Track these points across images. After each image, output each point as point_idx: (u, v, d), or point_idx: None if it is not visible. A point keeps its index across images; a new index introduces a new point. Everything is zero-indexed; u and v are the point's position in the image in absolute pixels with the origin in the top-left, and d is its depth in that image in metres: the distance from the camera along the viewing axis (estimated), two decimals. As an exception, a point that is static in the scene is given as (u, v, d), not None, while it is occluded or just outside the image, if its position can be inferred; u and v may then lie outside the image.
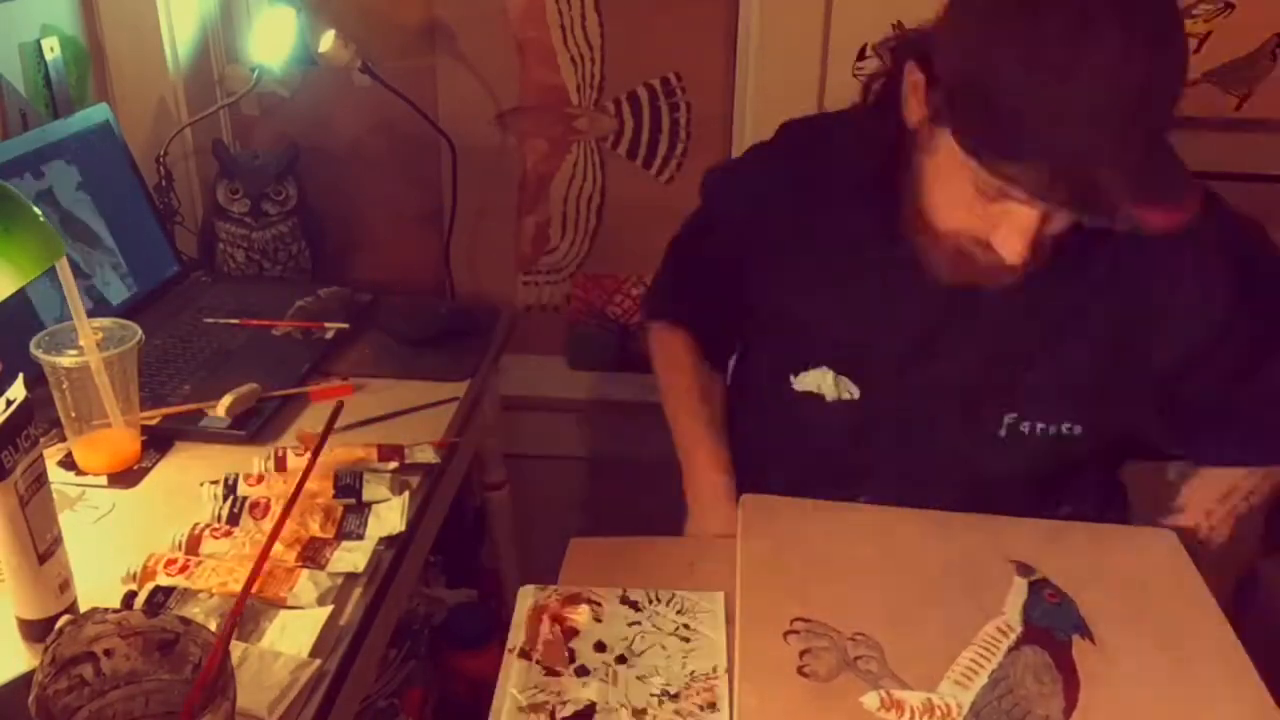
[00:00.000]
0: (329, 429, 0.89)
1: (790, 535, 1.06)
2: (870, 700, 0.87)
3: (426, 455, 1.18)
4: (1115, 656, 0.93)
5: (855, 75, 1.68)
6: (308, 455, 1.00)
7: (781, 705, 0.86)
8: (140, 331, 1.10)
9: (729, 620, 0.97)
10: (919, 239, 1.02)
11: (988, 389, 1.07)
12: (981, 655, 0.92)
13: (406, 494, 1.10)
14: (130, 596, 0.92)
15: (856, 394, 1.12)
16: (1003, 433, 1.09)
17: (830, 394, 1.14)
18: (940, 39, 0.93)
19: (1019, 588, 0.99)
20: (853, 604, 0.97)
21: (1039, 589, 0.99)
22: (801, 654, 0.91)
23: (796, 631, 0.94)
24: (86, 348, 1.05)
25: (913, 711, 0.86)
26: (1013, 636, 0.94)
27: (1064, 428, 1.08)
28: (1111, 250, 1.02)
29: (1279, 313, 1.05)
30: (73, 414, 1.09)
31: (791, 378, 1.15)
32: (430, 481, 1.16)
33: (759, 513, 1.09)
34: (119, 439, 1.12)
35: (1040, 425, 1.08)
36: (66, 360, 1.05)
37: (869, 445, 1.13)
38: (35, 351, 1.06)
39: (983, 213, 0.94)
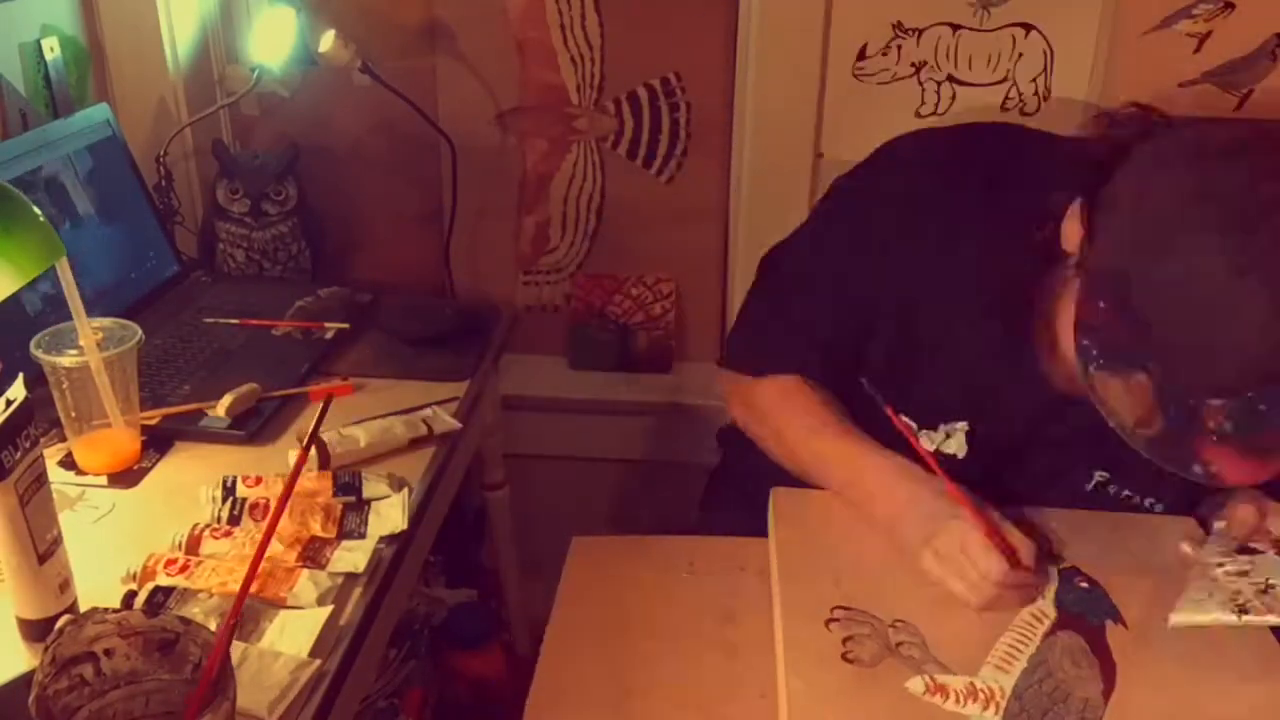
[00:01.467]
0: (319, 422, 0.89)
1: (823, 525, 1.07)
2: (915, 685, 0.89)
3: (448, 424, 1.21)
4: (1148, 639, 0.95)
5: (855, 75, 1.68)
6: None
7: (828, 691, 0.88)
8: (140, 331, 1.10)
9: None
10: (1040, 338, 1.02)
11: (1082, 445, 1.06)
12: (1019, 640, 0.94)
13: (407, 491, 1.10)
14: (130, 596, 0.92)
15: (963, 454, 1.10)
16: (1090, 487, 1.10)
17: (948, 447, 1.11)
18: (1115, 199, 0.91)
19: (1050, 574, 1.01)
20: (890, 591, 0.98)
21: (1070, 576, 1.02)
22: (844, 641, 0.93)
23: (837, 619, 0.95)
24: (86, 348, 1.05)
25: (957, 695, 0.88)
26: (1048, 622, 0.96)
27: (1148, 501, 1.10)
28: None
29: None
30: (73, 414, 1.09)
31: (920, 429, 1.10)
32: (431, 479, 1.17)
33: (790, 504, 1.10)
34: (119, 439, 1.12)
35: (1127, 492, 1.10)
36: (66, 360, 1.05)
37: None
38: (35, 351, 1.05)
39: None
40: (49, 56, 1.48)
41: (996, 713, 0.87)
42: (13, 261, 0.94)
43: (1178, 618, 0.95)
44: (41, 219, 0.98)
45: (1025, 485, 1.10)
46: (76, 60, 1.56)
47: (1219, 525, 1.05)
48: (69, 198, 1.40)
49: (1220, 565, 1.00)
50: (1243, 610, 0.94)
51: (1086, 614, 0.97)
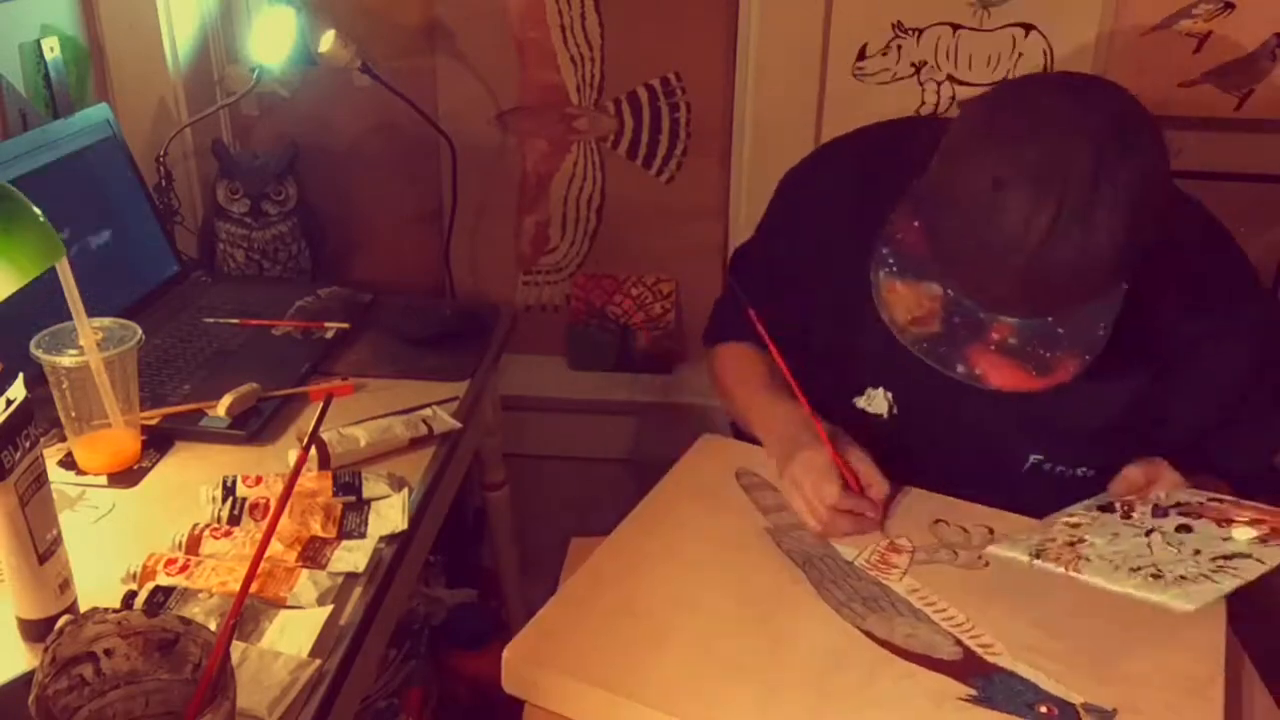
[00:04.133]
0: (319, 422, 0.89)
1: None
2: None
3: (448, 424, 1.22)
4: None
5: (855, 75, 1.68)
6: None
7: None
8: (140, 331, 1.10)
9: None
10: None
11: (1013, 429, 1.11)
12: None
13: (407, 491, 1.11)
14: (130, 596, 0.92)
15: (887, 414, 1.17)
16: (1025, 469, 1.14)
17: (875, 409, 1.18)
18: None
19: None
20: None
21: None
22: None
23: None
24: (87, 347, 1.05)
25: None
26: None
27: (1079, 471, 1.13)
28: (1148, 312, 1.02)
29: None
30: (73, 414, 1.09)
31: (852, 395, 1.19)
32: (431, 479, 1.17)
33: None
34: (119, 439, 1.12)
35: (1060, 468, 1.13)
36: (67, 360, 1.05)
37: (905, 465, 1.14)
38: (35, 351, 1.05)
39: None
40: (49, 56, 1.48)
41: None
42: (13, 261, 0.94)
43: (990, 549, 1.04)
44: (41, 219, 0.98)
45: (964, 467, 1.13)
46: (76, 60, 1.56)
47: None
48: (69, 198, 1.40)
49: (1071, 515, 1.07)
50: (1038, 555, 1.01)
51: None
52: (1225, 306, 1.07)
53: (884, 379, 1.17)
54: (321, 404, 0.90)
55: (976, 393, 1.05)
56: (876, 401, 1.18)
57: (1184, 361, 1.07)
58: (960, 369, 0.96)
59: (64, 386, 1.07)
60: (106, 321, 1.10)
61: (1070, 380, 0.94)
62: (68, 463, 1.13)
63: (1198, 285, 1.06)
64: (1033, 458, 1.14)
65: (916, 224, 0.99)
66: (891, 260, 0.99)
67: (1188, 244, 1.06)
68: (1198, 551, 0.99)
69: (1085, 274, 0.91)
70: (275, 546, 0.98)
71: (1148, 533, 1.02)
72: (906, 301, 0.98)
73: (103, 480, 1.12)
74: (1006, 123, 0.92)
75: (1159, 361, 1.07)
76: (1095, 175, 0.87)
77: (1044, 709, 0.86)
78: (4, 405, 0.82)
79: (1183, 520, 1.03)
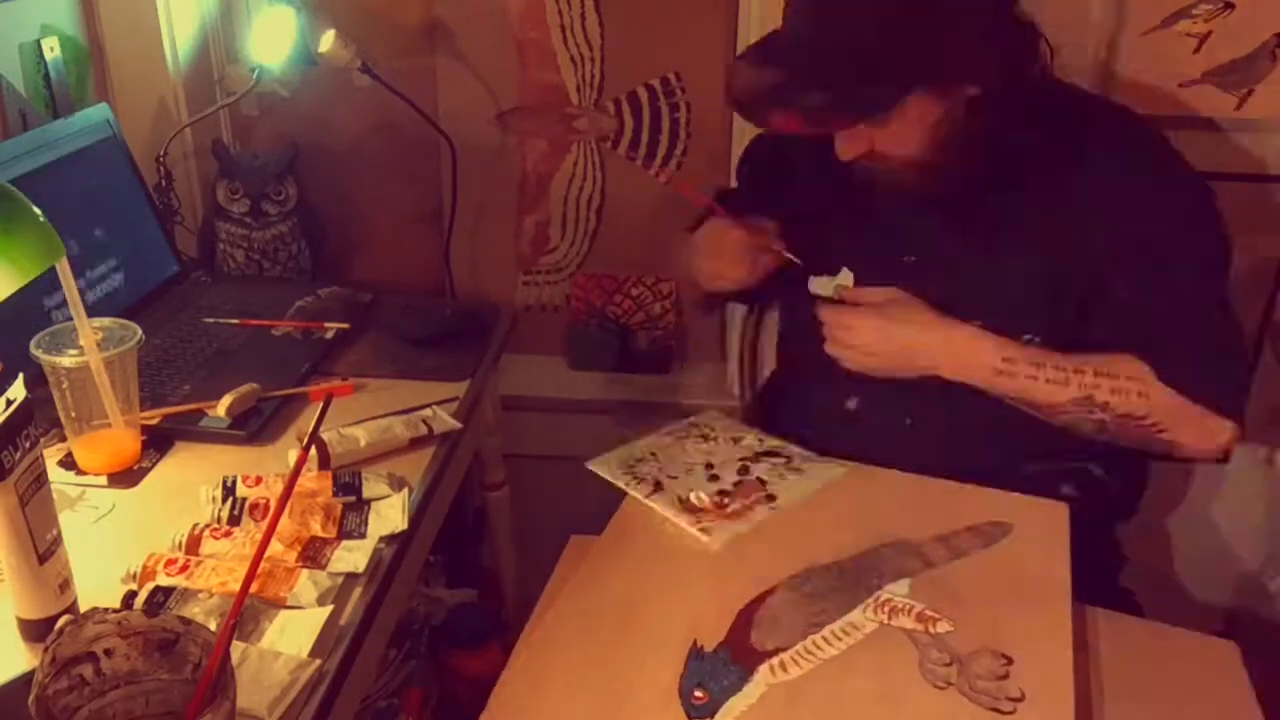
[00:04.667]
0: (319, 422, 0.89)
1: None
2: None
3: (448, 424, 1.22)
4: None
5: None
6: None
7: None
8: (140, 331, 1.10)
9: None
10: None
11: (953, 299, 1.20)
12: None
13: (407, 491, 1.11)
14: (130, 596, 0.92)
15: (850, 283, 1.28)
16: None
17: (827, 291, 1.30)
18: None
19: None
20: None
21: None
22: None
23: None
24: (87, 347, 1.05)
25: None
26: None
27: (1024, 338, 1.18)
28: (1049, 167, 1.17)
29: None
30: (73, 414, 1.09)
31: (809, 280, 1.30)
32: (431, 479, 1.17)
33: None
34: (119, 439, 1.12)
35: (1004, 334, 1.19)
36: (67, 360, 1.05)
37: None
38: (35, 351, 1.05)
39: None
40: (49, 56, 1.48)
41: None
42: (13, 261, 0.94)
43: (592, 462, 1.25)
44: (41, 219, 0.98)
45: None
46: (76, 60, 1.56)
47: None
48: (69, 198, 1.40)
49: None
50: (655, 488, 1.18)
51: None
52: (1133, 196, 1.16)
53: (848, 261, 1.28)
54: (321, 404, 0.90)
55: (923, 271, 1.22)
56: (841, 275, 1.29)
57: (1092, 218, 1.15)
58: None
59: (64, 386, 1.07)
60: (106, 321, 1.10)
61: (836, 128, 1.12)
62: (68, 463, 1.13)
63: (1110, 151, 1.18)
64: (974, 324, 1.19)
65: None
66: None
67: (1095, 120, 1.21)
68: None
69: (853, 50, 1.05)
70: (275, 546, 0.98)
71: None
72: (749, 79, 1.12)
73: (103, 480, 1.12)
74: None
75: (1071, 228, 1.16)
76: None
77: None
78: (4, 405, 0.82)
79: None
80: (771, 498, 1.15)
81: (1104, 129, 1.21)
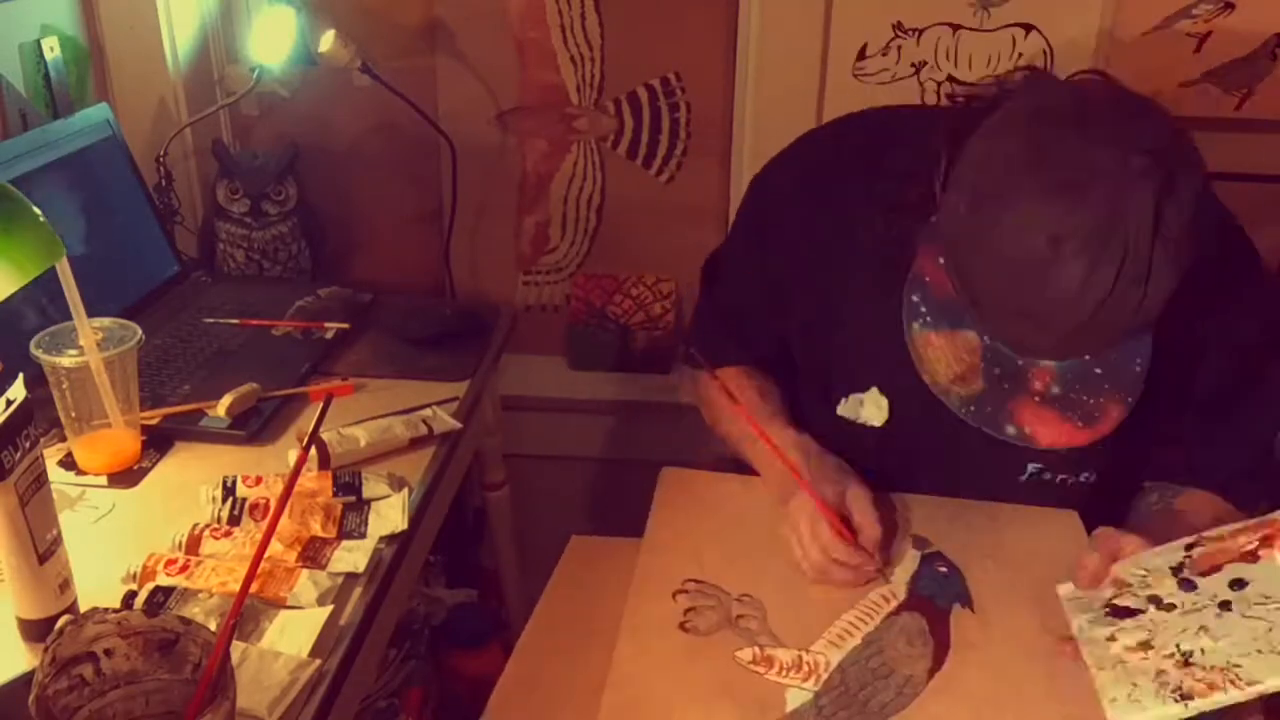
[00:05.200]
0: (319, 422, 0.89)
1: (701, 506, 1.10)
2: (744, 655, 0.92)
3: (448, 424, 1.22)
4: (991, 625, 0.96)
5: (855, 75, 1.68)
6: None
7: (656, 658, 0.91)
8: (140, 331, 1.10)
9: None
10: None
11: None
12: (860, 619, 0.96)
13: (406, 491, 1.11)
14: (130, 596, 0.92)
15: (882, 420, 1.12)
16: (1024, 478, 1.11)
17: (865, 417, 1.13)
18: (963, 160, 0.91)
19: (911, 559, 1.04)
20: (747, 568, 1.01)
21: (931, 561, 1.04)
22: (686, 611, 0.96)
23: (686, 590, 0.99)
24: (87, 348, 1.05)
25: (781, 666, 0.91)
26: (894, 603, 0.98)
27: (1082, 477, 1.11)
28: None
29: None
30: (73, 414, 1.09)
31: (837, 403, 1.14)
32: (431, 479, 1.17)
33: (676, 484, 1.14)
34: (119, 439, 1.12)
35: (1061, 476, 1.11)
36: (67, 360, 1.05)
37: (901, 478, 1.13)
38: (35, 351, 1.05)
39: None
40: (49, 56, 1.48)
41: (815, 684, 0.89)
42: (13, 261, 0.94)
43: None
44: (41, 219, 0.98)
45: (962, 478, 1.12)
46: (76, 60, 1.56)
47: (1064, 590, 0.98)
48: (69, 198, 1.40)
49: (1111, 639, 0.91)
50: (1185, 696, 0.86)
51: (935, 597, 0.99)
52: (1224, 297, 1.04)
53: (874, 378, 1.12)
54: (322, 405, 0.90)
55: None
56: (869, 407, 1.14)
57: (1180, 360, 1.03)
58: (1010, 430, 0.92)
59: (64, 387, 1.07)
60: (106, 321, 1.10)
61: (1113, 430, 0.92)
62: (68, 463, 1.13)
63: (1196, 281, 1.00)
64: (1031, 467, 1.11)
65: (942, 262, 0.93)
66: (924, 309, 0.94)
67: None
68: (1268, 597, 0.89)
69: (1136, 327, 0.89)
70: (275, 546, 0.98)
71: (1221, 605, 0.90)
72: (945, 356, 0.94)
73: (103, 480, 1.12)
74: (1052, 167, 0.85)
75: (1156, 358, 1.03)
76: (1153, 234, 0.83)
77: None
78: (4, 405, 0.82)
79: (1198, 579, 0.94)
80: None
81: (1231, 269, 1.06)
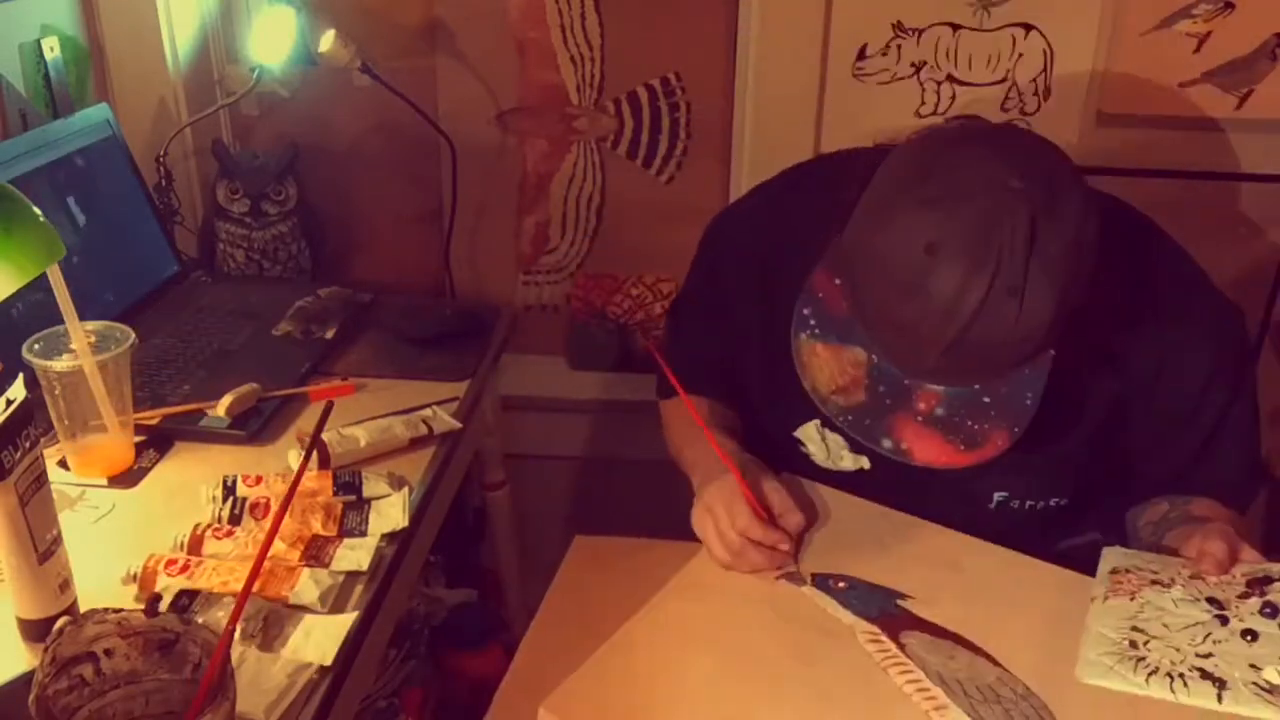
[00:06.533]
0: (321, 426, 0.89)
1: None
2: None
3: (448, 424, 1.22)
4: (938, 598, 0.98)
5: (855, 75, 1.68)
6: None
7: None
8: (133, 334, 1.10)
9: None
10: None
11: (980, 470, 1.01)
12: (907, 676, 0.90)
13: (407, 489, 1.11)
14: (155, 600, 0.91)
15: (866, 465, 1.13)
16: (992, 506, 1.12)
17: (821, 457, 1.15)
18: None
19: (813, 594, 1.01)
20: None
21: (824, 581, 1.01)
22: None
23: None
24: (80, 351, 1.04)
25: None
26: (885, 640, 0.94)
27: (1052, 502, 1.12)
28: (1108, 342, 1.03)
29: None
30: (65, 420, 1.08)
31: (794, 434, 1.16)
32: (431, 479, 1.17)
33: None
34: (112, 446, 1.11)
35: (1030, 502, 1.12)
36: (59, 365, 1.05)
37: None
38: (27, 355, 1.05)
39: None
40: (49, 56, 1.48)
41: None
42: (13, 261, 0.94)
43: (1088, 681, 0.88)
44: (41, 219, 0.98)
45: (930, 509, 1.10)
46: (76, 60, 1.56)
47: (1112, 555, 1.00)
48: (69, 198, 1.40)
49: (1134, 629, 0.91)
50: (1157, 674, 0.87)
51: (880, 609, 0.97)
52: (1177, 325, 1.05)
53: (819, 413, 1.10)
54: (324, 407, 0.90)
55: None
56: (848, 456, 1.14)
57: (1147, 383, 1.06)
58: (886, 443, 0.94)
59: (57, 391, 1.06)
60: (99, 325, 1.10)
61: (996, 456, 0.93)
62: (66, 463, 1.12)
63: (1149, 305, 1.04)
64: (998, 495, 1.12)
65: (838, 282, 0.95)
66: (813, 321, 0.96)
67: (1132, 264, 1.04)
68: None
69: (1016, 346, 0.90)
70: (278, 546, 0.98)
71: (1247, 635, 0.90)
72: (830, 368, 0.96)
73: (103, 480, 1.12)
74: (935, 181, 0.89)
75: (1121, 384, 1.06)
76: (1028, 247, 0.85)
77: None
78: (4, 405, 0.82)
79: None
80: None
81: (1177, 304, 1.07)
